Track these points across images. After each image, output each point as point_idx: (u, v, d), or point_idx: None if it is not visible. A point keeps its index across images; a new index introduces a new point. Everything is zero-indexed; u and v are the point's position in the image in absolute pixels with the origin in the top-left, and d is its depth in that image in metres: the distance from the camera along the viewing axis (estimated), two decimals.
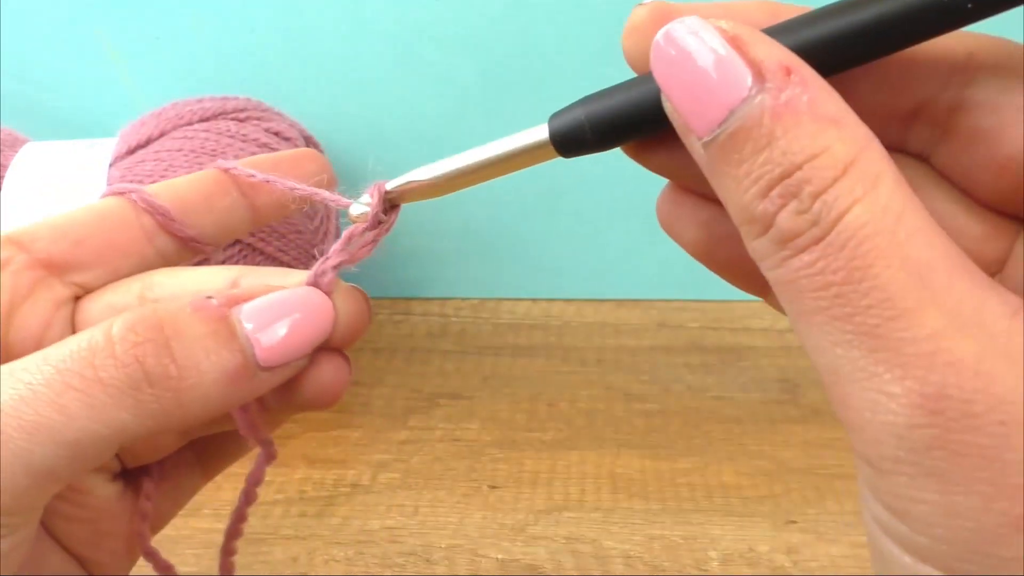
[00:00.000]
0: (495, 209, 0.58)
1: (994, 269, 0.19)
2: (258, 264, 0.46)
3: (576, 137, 0.20)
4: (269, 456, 0.26)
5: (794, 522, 0.42)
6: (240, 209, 0.26)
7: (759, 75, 0.16)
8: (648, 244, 0.57)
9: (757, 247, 0.16)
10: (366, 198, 0.24)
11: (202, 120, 0.47)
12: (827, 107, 0.16)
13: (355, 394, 0.52)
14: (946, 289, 0.15)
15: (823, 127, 0.15)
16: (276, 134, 0.48)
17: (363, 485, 0.46)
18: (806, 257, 0.15)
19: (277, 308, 0.21)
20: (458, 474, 0.46)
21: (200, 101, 0.48)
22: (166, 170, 0.44)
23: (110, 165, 0.46)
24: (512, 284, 0.61)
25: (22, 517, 0.20)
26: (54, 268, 0.24)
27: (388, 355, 0.56)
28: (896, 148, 0.20)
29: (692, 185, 0.22)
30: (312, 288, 0.23)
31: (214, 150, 0.45)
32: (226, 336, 0.20)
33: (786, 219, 0.16)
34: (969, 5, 0.17)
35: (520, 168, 0.22)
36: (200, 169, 0.26)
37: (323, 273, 0.23)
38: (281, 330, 0.21)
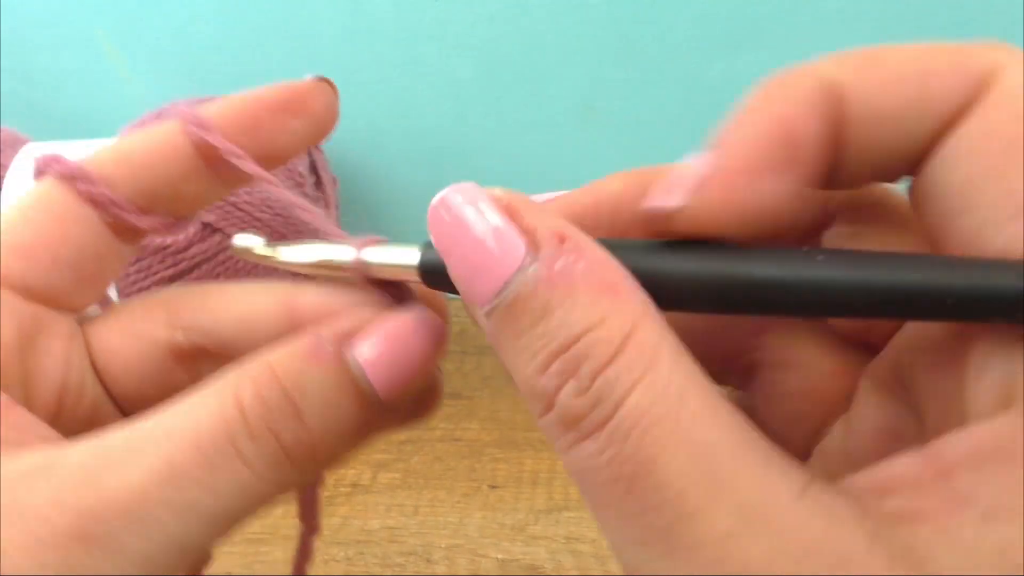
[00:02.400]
0: None
1: (842, 408, 0.20)
2: (257, 263, 0.46)
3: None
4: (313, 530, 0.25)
5: None
6: (212, 186, 0.23)
7: (532, 243, 0.15)
8: None
9: (545, 426, 0.16)
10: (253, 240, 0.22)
11: None
12: (603, 275, 0.15)
13: None
14: (732, 478, 0.14)
15: (598, 297, 0.15)
16: None
17: (363, 485, 0.46)
18: (591, 445, 0.15)
19: (392, 337, 0.20)
20: (458, 474, 0.46)
21: (200, 101, 0.48)
22: None
23: None
24: None
25: None
26: (39, 300, 0.21)
27: None
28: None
29: None
30: (423, 307, 0.21)
31: None
32: (348, 383, 0.19)
33: (567, 399, 0.15)
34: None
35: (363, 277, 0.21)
36: None
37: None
38: (399, 360, 0.20)
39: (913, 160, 0.17)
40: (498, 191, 0.16)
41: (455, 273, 0.17)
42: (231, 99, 0.22)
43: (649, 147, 0.55)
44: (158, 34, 0.53)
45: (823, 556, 0.14)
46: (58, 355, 0.21)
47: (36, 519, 0.17)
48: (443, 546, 0.42)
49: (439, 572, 0.41)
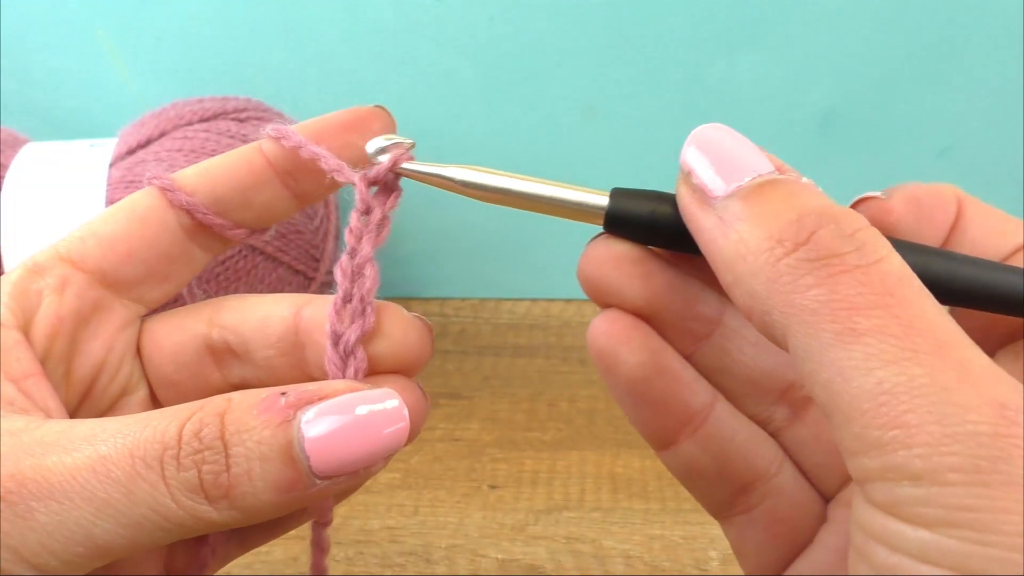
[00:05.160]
0: (495, 209, 0.58)
1: None
2: (257, 264, 0.46)
3: (634, 225, 0.23)
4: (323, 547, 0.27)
5: None
6: (281, 199, 0.25)
7: (780, 168, 0.20)
8: None
9: (786, 266, 0.18)
10: (382, 142, 0.23)
11: (202, 120, 0.47)
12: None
13: None
14: (966, 341, 0.17)
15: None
16: None
17: (363, 485, 0.46)
18: (860, 276, 0.17)
19: (343, 412, 0.20)
20: (458, 474, 0.46)
21: (200, 101, 0.48)
22: (166, 170, 0.44)
23: (110, 165, 0.46)
24: (512, 284, 0.61)
25: None
26: (110, 286, 0.24)
27: None
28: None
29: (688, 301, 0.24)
30: (389, 391, 0.21)
31: (214, 150, 0.45)
32: (282, 445, 0.20)
33: (826, 236, 0.17)
34: None
35: (553, 215, 0.24)
36: None
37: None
38: (344, 441, 0.20)
39: None
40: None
41: (712, 161, 0.20)
42: (302, 123, 0.25)
43: (649, 147, 0.55)
44: (158, 34, 0.53)
45: None
46: (105, 337, 0.24)
47: None
48: (443, 546, 0.42)
49: (439, 572, 0.41)
